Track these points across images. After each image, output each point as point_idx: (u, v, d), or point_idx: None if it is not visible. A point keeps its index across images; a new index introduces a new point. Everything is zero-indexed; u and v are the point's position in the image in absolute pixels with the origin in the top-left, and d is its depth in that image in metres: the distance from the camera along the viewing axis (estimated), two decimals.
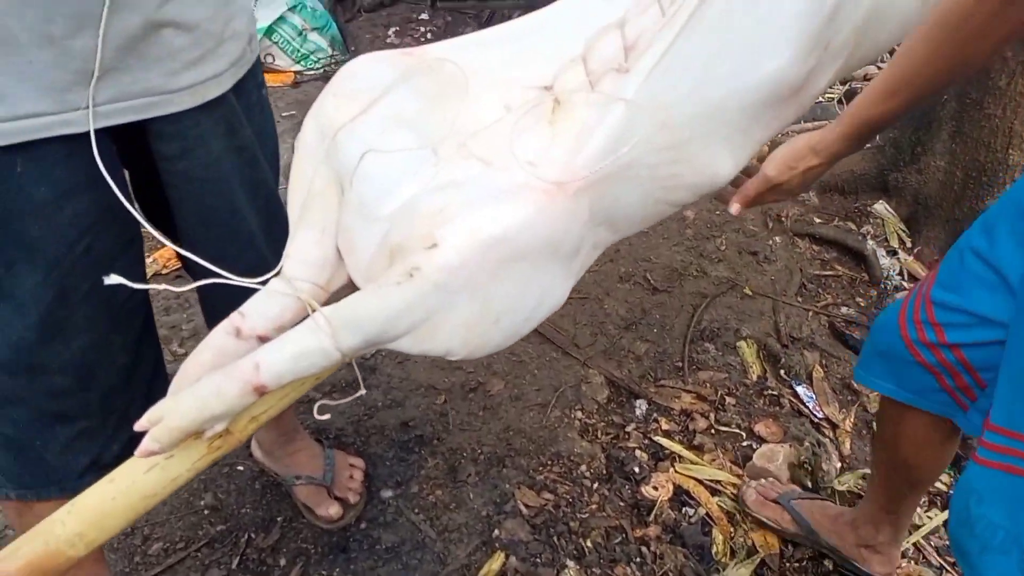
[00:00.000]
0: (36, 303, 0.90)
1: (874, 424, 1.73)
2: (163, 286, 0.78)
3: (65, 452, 1.00)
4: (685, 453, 1.80)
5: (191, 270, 1.11)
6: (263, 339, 0.73)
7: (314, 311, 0.68)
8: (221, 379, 0.65)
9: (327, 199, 0.79)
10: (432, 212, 0.69)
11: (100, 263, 0.93)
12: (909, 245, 2.59)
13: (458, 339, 0.72)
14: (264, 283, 0.77)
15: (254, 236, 1.11)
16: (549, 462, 1.76)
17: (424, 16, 3.95)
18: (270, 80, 3.58)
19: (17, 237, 0.87)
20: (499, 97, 0.80)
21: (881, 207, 2.71)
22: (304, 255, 0.78)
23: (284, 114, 3.28)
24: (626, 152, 0.74)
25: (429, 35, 4.00)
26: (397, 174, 0.75)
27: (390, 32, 4.04)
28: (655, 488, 1.70)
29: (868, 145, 2.72)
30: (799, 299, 2.37)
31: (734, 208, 1.04)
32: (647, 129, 0.76)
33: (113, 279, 0.66)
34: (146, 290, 1.05)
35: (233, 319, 0.74)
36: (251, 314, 0.74)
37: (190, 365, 0.71)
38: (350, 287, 0.79)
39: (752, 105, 0.82)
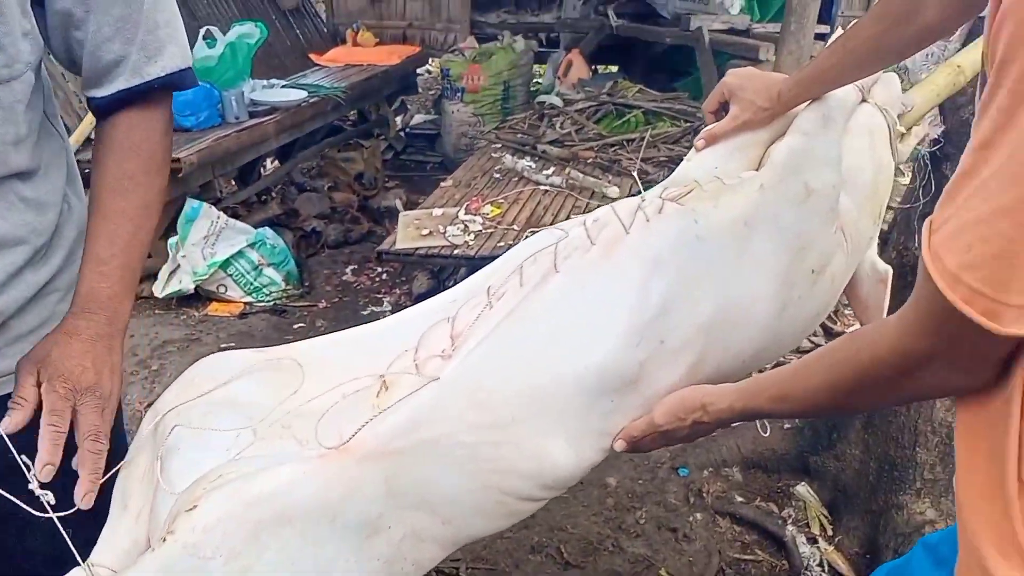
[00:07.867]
0: None
1: None
2: None
3: None
4: None
5: None
6: None
7: None
8: None
9: (146, 483, 0.77)
10: (210, 479, 0.67)
11: None
12: (830, 532, 2.52)
13: None
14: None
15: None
16: None
17: None
18: (218, 309, 3.63)
19: None
20: (339, 386, 0.82)
21: (803, 489, 2.67)
22: (112, 542, 0.74)
23: (222, 345, 3.27)
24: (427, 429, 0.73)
25: (384, 275, 4.07)
26: (207, 451, 0.74)
27: (347, 270, 4.14)
28: None
29: (785, 425, 2.75)
30: None
31: (618, 445, 0.95)
32: (460, 407, 0.76)
33: None
34: None
35: None
36: None
37: None
38: None
39: (582, 392, 0.83)
